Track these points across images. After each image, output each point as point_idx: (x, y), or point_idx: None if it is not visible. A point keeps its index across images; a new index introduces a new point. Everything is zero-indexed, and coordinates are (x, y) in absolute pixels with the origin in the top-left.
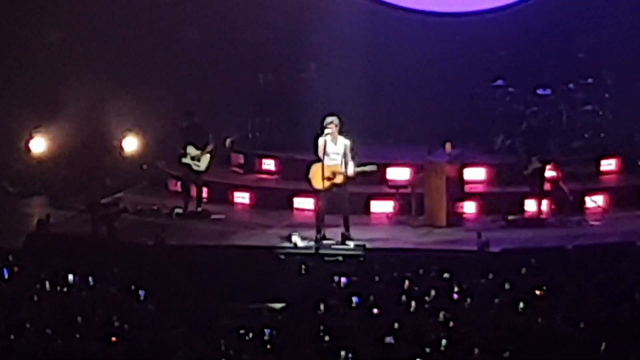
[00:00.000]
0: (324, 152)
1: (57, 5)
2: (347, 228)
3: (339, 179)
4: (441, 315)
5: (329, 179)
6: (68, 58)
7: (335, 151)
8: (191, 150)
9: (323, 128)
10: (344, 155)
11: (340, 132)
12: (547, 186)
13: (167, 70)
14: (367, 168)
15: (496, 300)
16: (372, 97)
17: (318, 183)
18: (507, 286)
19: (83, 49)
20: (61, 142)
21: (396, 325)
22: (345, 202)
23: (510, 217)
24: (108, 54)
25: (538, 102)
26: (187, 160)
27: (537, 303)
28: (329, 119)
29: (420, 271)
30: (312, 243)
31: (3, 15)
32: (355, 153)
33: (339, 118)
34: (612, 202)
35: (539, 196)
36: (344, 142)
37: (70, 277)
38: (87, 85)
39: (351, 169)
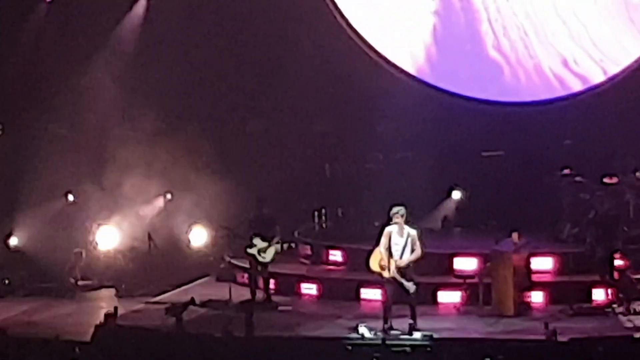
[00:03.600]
0: (389, 242)
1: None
2: (414, 318)
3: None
4: None
5: (382, 267)
6: (132, 149)
7: (398, 242)
8: (257, 241)
9: (390, 218)
10: (406, 245)
11: (407, 222)
12: (614, 275)
13: (235, 162)
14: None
15: None
16: (439, 186)
17: (375, 266)
18: None
19: (146, 141)
20: (127, 235)
21: None
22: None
23: (577, 306)
24: (175, 146)
25: (605, 191)
26: (253, 251)
27: None
28: (395, 209)
29: None
30: (379, 333)
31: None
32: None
33: (406, 208)
34: None
35: (606, 285)
36: (408, 232)
37: None
38: (152, 177)
39: (413, 257)
